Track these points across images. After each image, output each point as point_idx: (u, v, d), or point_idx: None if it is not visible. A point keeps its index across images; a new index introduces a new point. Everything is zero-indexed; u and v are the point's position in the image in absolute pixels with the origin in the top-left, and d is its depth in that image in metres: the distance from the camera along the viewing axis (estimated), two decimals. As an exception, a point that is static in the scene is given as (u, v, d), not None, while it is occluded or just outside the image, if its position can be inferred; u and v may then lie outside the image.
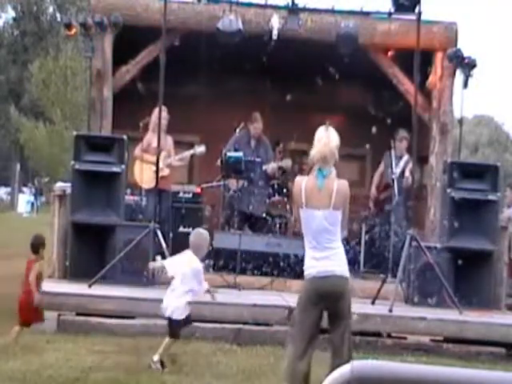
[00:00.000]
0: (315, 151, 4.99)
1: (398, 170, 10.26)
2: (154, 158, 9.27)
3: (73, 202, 8.41)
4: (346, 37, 9.22)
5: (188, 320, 6.29)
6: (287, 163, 10.60)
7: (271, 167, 10.37)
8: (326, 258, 4.92)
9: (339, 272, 4.95)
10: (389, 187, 10.42)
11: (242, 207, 10.16)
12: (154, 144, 9.46)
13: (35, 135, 40.88)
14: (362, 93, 11.84)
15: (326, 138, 5.00)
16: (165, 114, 9.45)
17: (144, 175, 9.61)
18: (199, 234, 6.49)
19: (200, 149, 10.09)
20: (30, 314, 7.03)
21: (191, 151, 10.08)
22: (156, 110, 9.56)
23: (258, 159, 10.33)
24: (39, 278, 7.21)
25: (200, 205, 10.87)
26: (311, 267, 4.96)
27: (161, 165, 8.92)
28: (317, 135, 5.06)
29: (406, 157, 10.22)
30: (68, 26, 9.89)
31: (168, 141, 9.63)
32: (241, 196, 10.10)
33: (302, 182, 5.01)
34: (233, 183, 10.15)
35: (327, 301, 4.95)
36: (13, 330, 6.99)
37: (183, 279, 6.20)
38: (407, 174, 9.93)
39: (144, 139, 9.70)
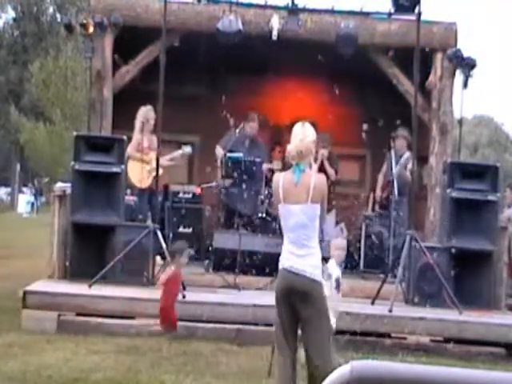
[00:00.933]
0: (291, 147, 5.01)
1: (398, 168, 10.26)
2: (146, 158, 9.38)
3: (73, 203, 8.41)
4: (346, 37, 9.22)
5: None
6: (278, 165, 10.60)
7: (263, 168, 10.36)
8: (300, 256, 4.89)
9: (309, 274, 4.86)
10: (389, 187, 10.43)
11: (234, 206, 10.11)
12: (144, 144, 9.56)
13: (35, 135, 40.89)
14: (362, 93, 11.85)
15: (302, 134, 5.02)
16: (152, 113, 9.49)
17: (138, 175, 9.64)
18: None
19: (187, 149, 10.22)
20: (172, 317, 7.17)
21: (180, 151, 10.15)
22: (141, 110, 9.64)
23: (258, 159, 10.32)
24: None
25: (200, 205, 10.90)
26: (284, 258, 4.96)
27: (153, 165, 8.95)
28: (293, 131, 5.09)
29: (406, 154, 10.23)
30: (68, 27, 9.89)
31: (154, 141, 9.64)
32: (235, 195, 10.07)
33: (279, 179, 5.03)
34: (226, 182, 10.15)
35: (294, 299, 4.88)
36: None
37: None
38: (407, 172, 9.94)
39: (134, 139, 9.70)
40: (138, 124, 9.68)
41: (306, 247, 4.91)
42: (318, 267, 4.95)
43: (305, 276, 4.86)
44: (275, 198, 5.09)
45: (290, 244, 4.96)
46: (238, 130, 10.41)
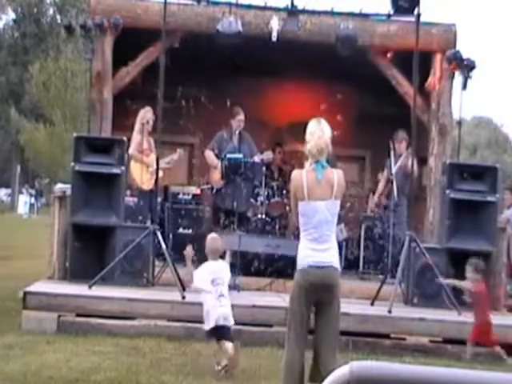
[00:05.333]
0: (312, 145, 5.03)
1: (397, 166, 10.26)
2: (147, 160, 9.41)
3: (73, 204, 8.42)
4: (346, 38, 9.24)
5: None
6: (268, 155, 10.57)
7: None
8: (325, 250, 4.98)
9: (335, 264, 5.03)
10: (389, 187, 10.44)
11: (233, 207, 10.10)
12: (144, 145, 9.61)
13: (35, 137, 40.91)
14: (362, 94, 11.86)
15: (320, 131, 5.05)
16: (150, 114, 9.50)
17: (141, 176, 9.65)
18: (215, 239, 6.51)
19: (181, 152, 10.34)
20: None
21: (176, 154, 10.20)
22: (141, 112, 9.66)
23: (258, 160, 10.32)
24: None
25: (199, 206, 10.91)
26: (308, 256, 4.99)
27: (154, 166, 8.97)
28: (309, 128, 5.10)
29: (405, 153, 10.23)
30: (68, 28, 9.90)
31: (152, 142, 9.66)
32: (234, 196, 10.06)
33: (302, 175, 5.04)
34: (225, 183, 10.14)
35: (320, 292, 4.97)
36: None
37: (225, 285, 6.26)
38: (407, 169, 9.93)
39: (134, 140, 9.70)
40: (137, 126, 9.70)
41: (328, 242, 5.01)
42: (338, 258, 5.14)
43: (332, 266, 5.01)
44: (296, 194, 5.05)
45: (311, 241, 4.99)
46: (225, 130, 10.43)
